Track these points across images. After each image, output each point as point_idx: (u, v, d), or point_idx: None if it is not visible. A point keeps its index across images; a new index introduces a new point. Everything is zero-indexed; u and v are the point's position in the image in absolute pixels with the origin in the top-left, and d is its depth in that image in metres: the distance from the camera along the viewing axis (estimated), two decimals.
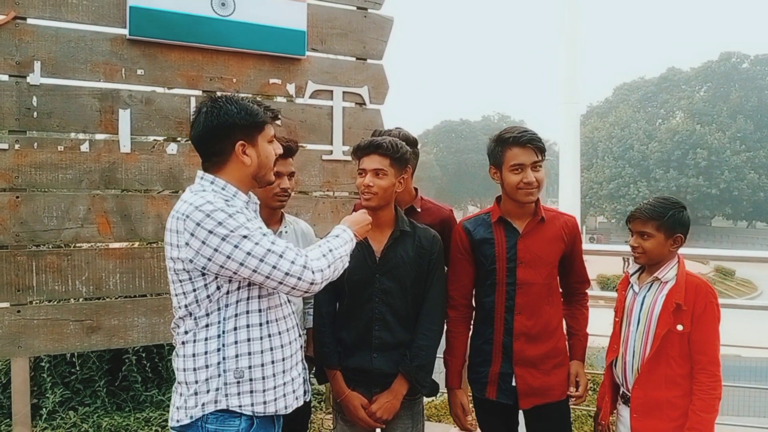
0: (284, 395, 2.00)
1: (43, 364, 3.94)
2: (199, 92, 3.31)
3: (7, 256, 2.94)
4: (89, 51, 3.05)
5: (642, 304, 2.43)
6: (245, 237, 1.81)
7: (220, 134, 1.94)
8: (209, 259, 1.82)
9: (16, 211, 2.94)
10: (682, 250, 2.47)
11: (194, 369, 1.91)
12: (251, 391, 1.92)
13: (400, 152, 2.41)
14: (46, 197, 3.01)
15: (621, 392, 2.52)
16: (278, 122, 2.18)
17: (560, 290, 2.65)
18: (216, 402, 1.89)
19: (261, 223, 1.96)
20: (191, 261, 1.84)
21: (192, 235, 1.82)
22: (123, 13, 3.08)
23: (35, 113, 2.96)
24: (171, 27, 3.16)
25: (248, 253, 1.81)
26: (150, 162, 3.19)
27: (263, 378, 1.94)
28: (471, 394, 2.70)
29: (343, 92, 3.63)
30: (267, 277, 1.83)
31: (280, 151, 2.12)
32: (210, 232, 1.80)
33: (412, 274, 2.45)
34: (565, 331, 2.64)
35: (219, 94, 2.05)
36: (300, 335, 2.14)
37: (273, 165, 2.06)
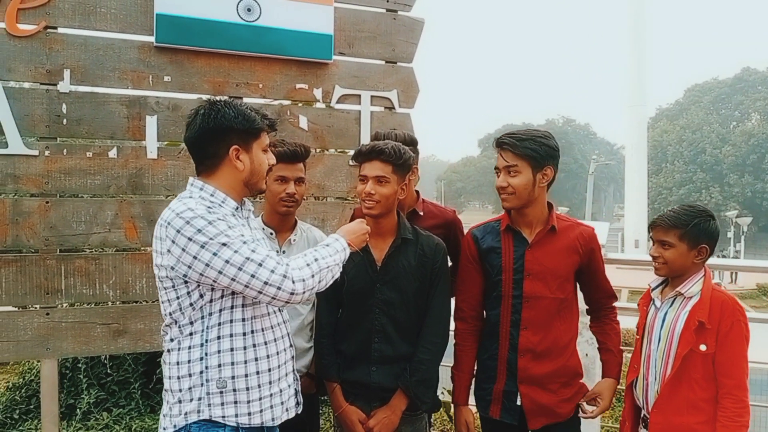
0: (271, 407, 1.95)
1: (80, 365, 4.04)
2: (225, 98, 3.30)
3: (37, 260, 3.01)
4: (117, 59, 3.10)
5: (663, 321, 2.26)
6: (224, 245, 1.77)
7: (216, 137, 1.92)
8: (189, 267, 1.79)
9: (46, 216, 3.01)
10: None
11: (178, 377, 1.88)
12: (235, 402, 1.88)
13: (403, 158, 2.31)
14: (74, 202, 3.07)
15: (642, 415, 2.34)
16: (274, 132, 2.14)
17: (579, 305, 2.49)
18: (199, 411, 1.86)
19: (247, 231, 1.92)
20: (173, 268, 1.82)
21: (173, 242, 1.80)
22: (150, 21, 3.11)
23: (65, 120, 3.02)
24: (197, 33, 3.18)
25: (226, 262, 1.77)
26: (176, 168, 3.22)
27: (247, 389, 1.90)
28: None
29: (371, 96, 3.56)
30: (246, 286, 1.79)
31: (274, 161, 2.09)
32: (189, 239, 1.78)
33: (414, 283, 2.35)
34: (578, 350, 2.48)
35: (218, 97, 2.03)
36: (291, 345, 2.09)
37: (266, 174, 2.03)
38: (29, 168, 2.97)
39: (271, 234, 2.60)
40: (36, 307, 3.06)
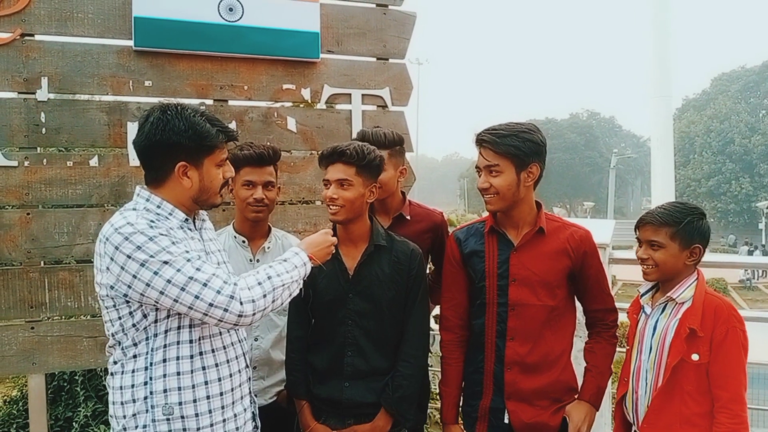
0: None
1: (77, 377, 3.98)
2: (209, 101, 3.21)
3: (20, 272, 2.94)
4: (96, 65, 3.01)
5: (654, 329, 2.07)
6: (166, 263, 1.65)
7: (162, 151, 1.79)
8: (129, 286, 1.68)
9: (28, 228, 2.93)
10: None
11: (122, 403, 1.77)
12: (184, 429, 1.75)
13: (367, 159, 2.16)
14: (56, 213, 3.00)
15: (633, 431, 2.16)
16: (235, 143, 2.00)
17: (575, 314, 2.31)
18: None
19: (197, 245, 1.80)
20: (112, 287, 1.71)
21: (111, 259, 1.68)
22: (128, 25, 3.02)
23: (44, 129, 2.94)
24: (177, 36, 3.08)
25: (168, 281, 1.64)
26: None
27: (196, 415, 1.77)
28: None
29: (362, 95, 3.43)
30: (190, 308, 1.67)
31: (231, 173, 1.94)
32: (128, 257, 1.66)
33: (388, 293, 2.20)
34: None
35: (173, 103, 1.90)
36: (246, 366, 1.95)
37: (219, 189, 1.89)
38: (8, 179, 2.90)
39: (244, 242, 2.49)
40: (21, 321, 2.99)
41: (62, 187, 2.98)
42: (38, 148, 2.98)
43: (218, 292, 1.67)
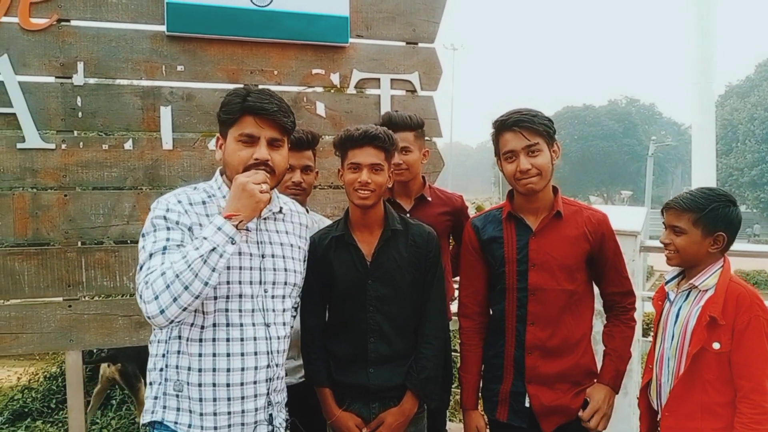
0: (229, 426, 1.78)
1: None
2: (240, 86, 3.23)
3: (58, 252, 3.04)
4: (130, 49, 3.08)
5: (677, 317, 2.04)
6: (151, 255, 1.70)
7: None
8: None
9: (65, 209, 3.02)
10: None
11: (149, 370, 1.83)
12: (190, 411, 1.76)
13: (394, 144, 2.18)
14: (92, 195, 3.08)
15: (658, 419, 2.14)
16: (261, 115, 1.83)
17: (594, 297, 2.29)
18: (153, 412, 1.79)
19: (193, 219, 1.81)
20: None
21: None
22: (161, 10, 3.07)
23: (80, 113, 3.02)
24: (209, 21, 3.12)
25: (140, 268, 1.72)
26: (192, 158, 3.19)
27: (200, 399, 1.75)
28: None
29: (391, 80, 3.43)
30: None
31: (261, 155, 1.82)
32: (143, 234, 1.80)
33: (408, 277, 2.20)
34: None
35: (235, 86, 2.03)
36: (268, 365, 1.86)
37: (241, 166, 1.81)
38: (47, 162, 2.99)
39: None
40: (59, 299, 3.09)
41: (98, 170, 3.07)
42: (75, 132, 3.06)
43: (140, 294, 1.64)
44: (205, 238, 1.63)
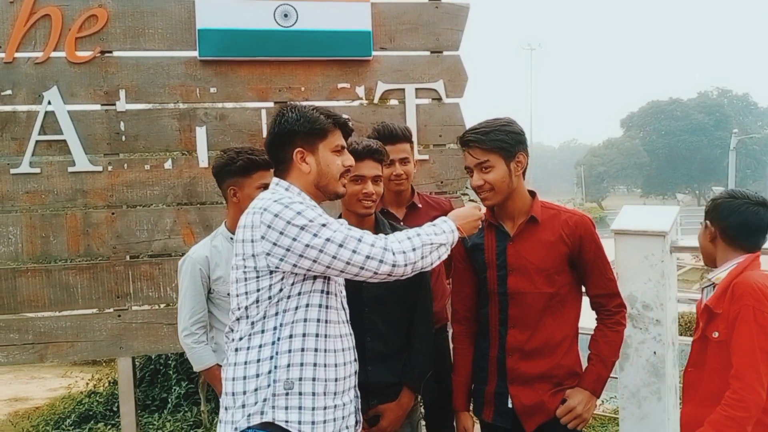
0: (333, 419, 1.87)
1: (170, 361, 4.35)
2: (270, 104, 3.41)
3: (107, 266, 3.29)
4: (166, 75, 3.30)
5: None
6: (323, 225, 1.79)
7: (282, 141, 1.95)
8: (287, 250, 1.78)
9: (113, 226, 3.28)
10: None
11: (244, 378, 1.83)
12: (300, 408, 1.82)
13: (386, 156, 2.31)
14: (137, 212, 3.32)
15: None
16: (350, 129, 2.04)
17: (581, 300, 2.30)
18: (262, 414, 1.80)
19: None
20: (268, 254, 1.80)
21: (269, 227, 1.79)
22: (193, 37, 3.28)
23: (123, 137, 3.27)
24: (238, 44, 3.30)
25: (328, 240, 1.77)
26: None
27: (313, 394, 1.83)
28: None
29: (416, 89, 3.50)
30: (347, 263, 1.78)
31: (351, 162, 2.01)
32: (288, 222, 1.78)
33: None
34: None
35: (290, 103, 2.10)
36: (354, 359, 2.00)
37: (339, 176, 1.96)
38: (95, 183, 3.25)
39: None
40: (110, 310, 3.34)
41: (141, 189, 3.30)
42: (119, 154, 3.31)
43: (372, 245, 1.80)
44: (444, 231, 1.93)
